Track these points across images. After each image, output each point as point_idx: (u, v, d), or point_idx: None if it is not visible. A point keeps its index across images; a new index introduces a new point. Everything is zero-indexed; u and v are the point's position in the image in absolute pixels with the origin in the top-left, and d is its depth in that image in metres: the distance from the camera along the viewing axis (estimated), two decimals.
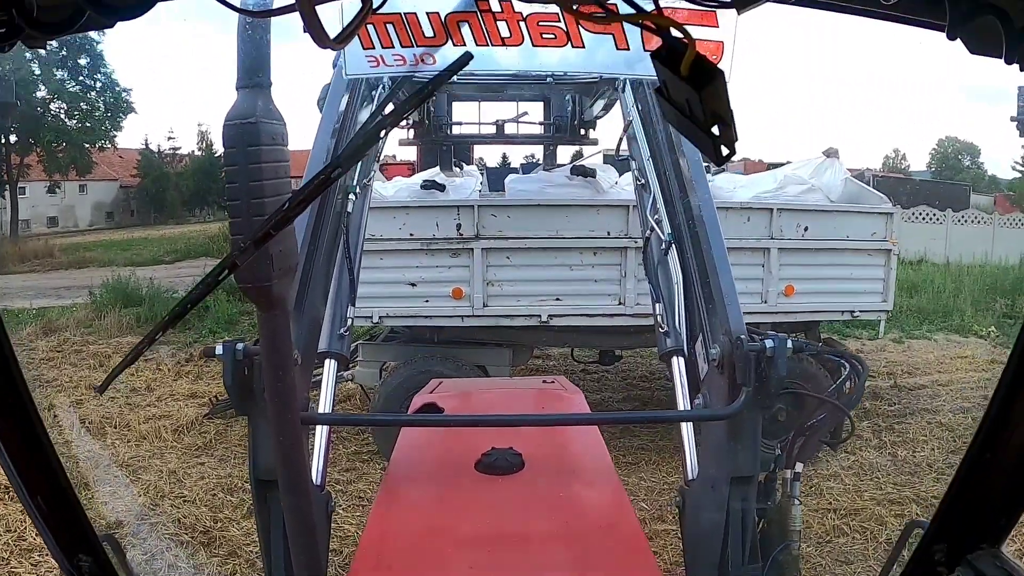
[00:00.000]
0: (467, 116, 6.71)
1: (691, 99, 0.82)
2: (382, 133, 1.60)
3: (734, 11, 1.04)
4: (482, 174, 9.05)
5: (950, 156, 65.64)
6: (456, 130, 6.53)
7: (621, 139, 3.87)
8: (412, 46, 2.78)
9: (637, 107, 3.64)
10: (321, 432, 2.64)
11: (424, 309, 7.23)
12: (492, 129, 6.49)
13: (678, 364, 2.95)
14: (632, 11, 0.86)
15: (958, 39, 1.02)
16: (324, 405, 2.78)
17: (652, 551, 2.67)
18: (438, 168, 8.06)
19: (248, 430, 2.37)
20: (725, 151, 0.83)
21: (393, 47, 2.79)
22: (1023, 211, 31.82)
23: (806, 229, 7.43)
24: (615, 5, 0.92)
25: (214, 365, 10.46)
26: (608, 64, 3.20)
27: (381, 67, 2.86)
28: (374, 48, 2.81)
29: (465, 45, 2.80)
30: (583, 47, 3.04)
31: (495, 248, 7.15)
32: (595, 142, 6.97)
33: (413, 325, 7.51)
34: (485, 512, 2.64)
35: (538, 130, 6.55)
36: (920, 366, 11.67)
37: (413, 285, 7.18)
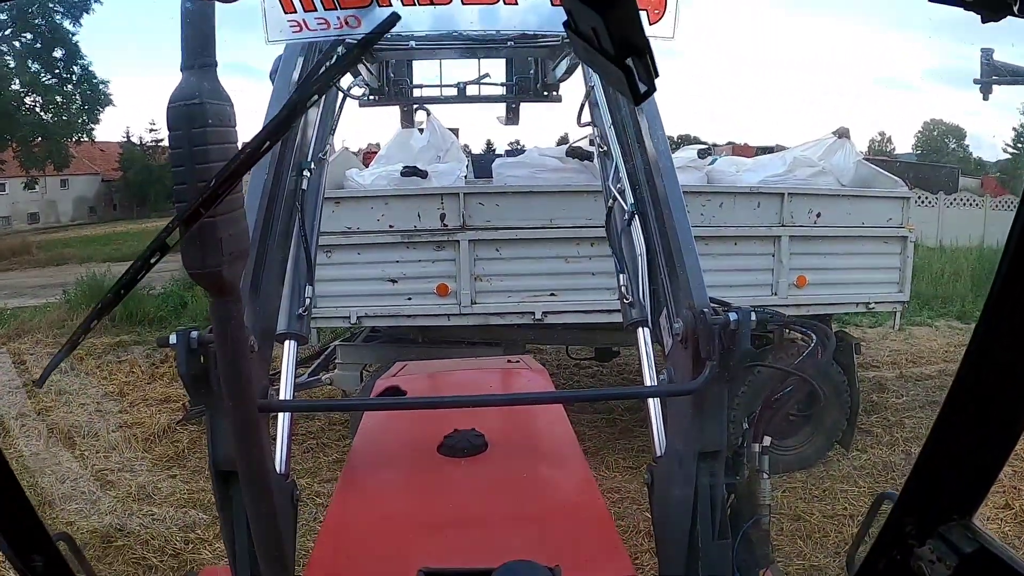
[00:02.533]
0: (429, 78, 6.42)
1: (598, 28, 0.77)
2: (309, 101, 1.46)
3: None
4: (468, 158, 8.56)
5: (936, 139, 65.77)
6: (417, 93, 6.21)
7: (583, 105, 3.77)
8: (336, 8, 2.61)
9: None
10: (283, 419, 2.58)
11: (406, 307, 6.70)
12: (454, 92, 6.20)
13: (643, 335, 2.93)
14: None
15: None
16: (285, 391, 2.71)
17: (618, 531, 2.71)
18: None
19: (207, 420, 2.34)
20: (643, 88, 0.78)
21: (316, 10, 2.62)
22: (1015, 193, 31.65)
23: (819, 215, 6.95)
24: None
25: None
26: (543, 22, 2.97)
27: (304, 32, 2.66)
28: (296, 12, 2.62)
29: (391, 6, 2.64)
30: (516, 3, 2.89)
31: (483, 240, 6.64)
32: (559, 99, 6.65)
33: (395, 325, 6.99)
34: (447, 495, 2.67)
35: (501, 91, 6.24)
36: (925, 355, 11.41)
37: (394, 282, 6.64)
